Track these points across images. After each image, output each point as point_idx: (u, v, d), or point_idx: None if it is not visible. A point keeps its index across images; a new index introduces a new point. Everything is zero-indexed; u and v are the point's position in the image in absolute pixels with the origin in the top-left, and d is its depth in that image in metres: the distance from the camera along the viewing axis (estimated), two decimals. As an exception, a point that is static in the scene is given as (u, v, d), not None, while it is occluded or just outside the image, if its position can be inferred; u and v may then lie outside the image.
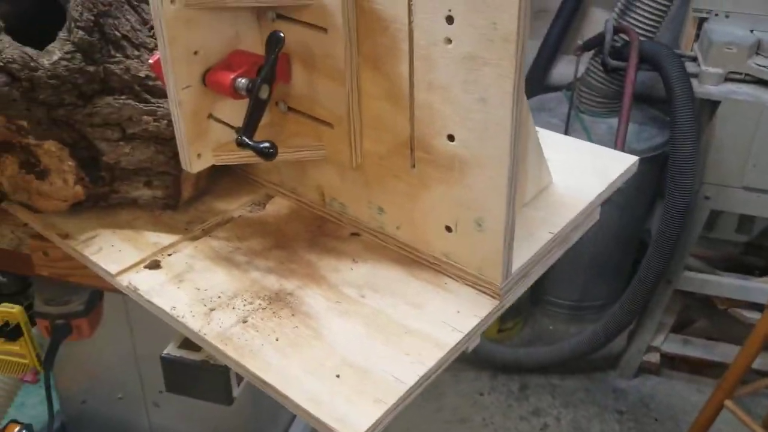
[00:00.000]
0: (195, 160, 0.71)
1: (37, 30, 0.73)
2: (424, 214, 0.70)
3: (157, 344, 0.85)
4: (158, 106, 0.74)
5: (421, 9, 0.59)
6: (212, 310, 0.68)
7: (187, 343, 0.80)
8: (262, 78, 0.65)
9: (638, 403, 2.23)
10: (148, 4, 0.74)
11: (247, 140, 0.65)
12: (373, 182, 0.73)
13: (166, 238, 0.79)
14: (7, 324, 1.57)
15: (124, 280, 0.74)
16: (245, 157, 0.72)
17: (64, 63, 0.72)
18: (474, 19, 0.56)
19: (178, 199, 0.80)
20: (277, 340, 0.64)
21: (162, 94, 0.74)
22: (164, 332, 0.77)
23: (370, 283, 0.72)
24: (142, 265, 0.75)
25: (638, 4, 1.95)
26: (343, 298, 0.70)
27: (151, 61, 0.70)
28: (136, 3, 0.75)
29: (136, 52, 0.75)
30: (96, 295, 1.16)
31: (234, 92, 0.67)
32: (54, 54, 0.72)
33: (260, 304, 0.69)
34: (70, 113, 0.74)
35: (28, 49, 0.71)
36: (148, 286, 0.72)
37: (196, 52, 0.67)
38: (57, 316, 1.16)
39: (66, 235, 0.80)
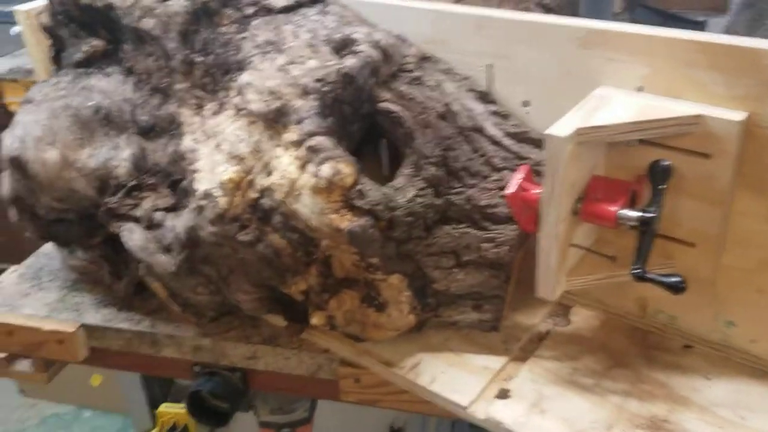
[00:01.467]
0: (559, 288, 0.71)
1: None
2: (797, 330, 0.69)
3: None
4: (498, 233, 0.74)
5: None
6: (601, 444, 0.67)
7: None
8: (656, 210, 0.64)
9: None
10: (481, 133, 0.75)
11: (650, 275, 0.64)
12: (726, 296, 0.73)
13: (492, 361, 0.78)
14: (174, 426, 1.55)
15: (479, 412, 0.72)
16: (596, 280, 0.72)
17: (419, 200, 0.72)
18: None
19: (501, 321, 0.79)
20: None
21: (501, 220, 0.74)
22: None
23: (740, 402, 0.70)
24: (491, 395, 0.74)
25: None
26: (723, 421, 0.68)
27: (506, 192, 0.70)
28: (467, 133, 0.75)
29: (473, 181, 0.74)
30: (316, 400, 1.15)
31: (617, 224, 0.66)
32: (408, 191, 0.71)
33: (646, 435, 0.67)
34: (414, 246, 0.73)
35: (386, 189, 0.71)
36: (511, 418, 0.71)
37: (572, 185, 0.67)
38: (283, 424, 1.14)
39: (388, 362, 0.79)
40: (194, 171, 0.75)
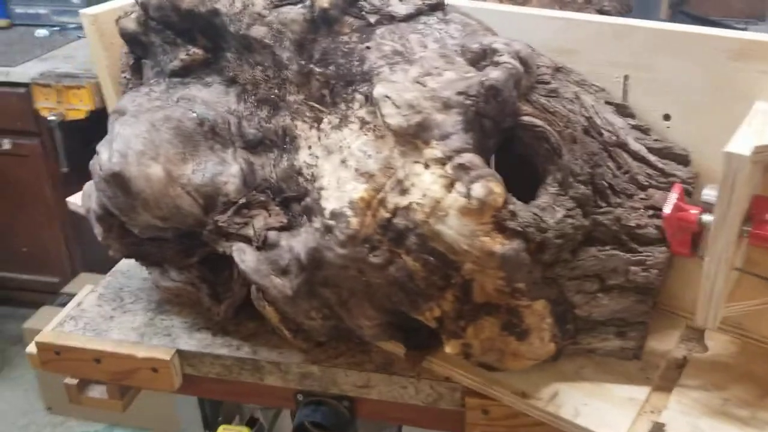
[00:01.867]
0: (720, 316, 0.66)
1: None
2: None
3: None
4: (647, 255, 0.69)
5: None
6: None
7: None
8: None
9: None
10: (624, 148, 0.70)
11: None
12: None
13: (634, 391, 0.73)
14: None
15: (633, 449, 0.67)
16: (756, 305, 0.67)
17: (569, 221, 0.66)
18: None
19: (643, 349, 0.74)
20: None
21: (650, 242, 0.69)
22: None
23: None
24: (644, 429, 0.69)
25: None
26: None
27: (665, 212, 0.65)
28: (610, 149, 0.70)
29: (618, 200, 0.69)
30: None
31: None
32: (557, 212, 0.66)
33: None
34: (560, 270, 0.68)
35: (533, 209, 0.66)
36: (671, 455, 0.66)
37: (744, 206, 0.62)
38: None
39: (523, 393, 0.74)
40: (320, 188, 0.70)
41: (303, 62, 0.74)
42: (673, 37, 0.70)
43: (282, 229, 0.75)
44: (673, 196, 0.66)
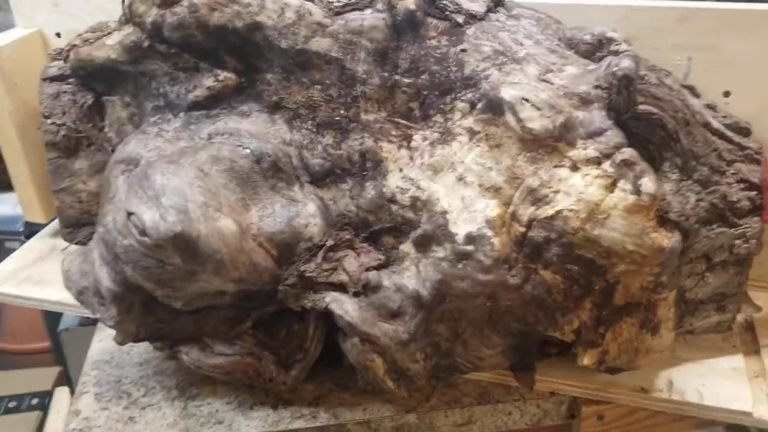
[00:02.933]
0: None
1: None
2: None
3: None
4: (746, 228, 0.71)
5: None
6: None
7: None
8: None
9: None
10: (708, 128, 0.72)
11: None
12: None
13: (732, 362, 0.76)
14: None
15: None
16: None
17: (702, 204, 0.67)
18: None
19: (735, 320, 0.77)
20: None
21: (745, 214, 0.72)
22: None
23: None
24: (764, 395, 0.71)
25: None
26: None
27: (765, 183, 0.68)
28: (700, 129, 0.71)
29: (717, 178, 0.71)
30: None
31: None
32: (690, 197, 0.66)
33: None
34: (683, 256, 0.68)
35: (671, 197, 0.65)
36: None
37: None
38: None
39: (642, 389, 0.72)
40: (443, 212, 0.62)
41: (386, 74, 0.65)
42: (740, 15, 0.73)
43: (379, 267, 0.66)
44: (765, 167, 0.69)
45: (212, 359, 0.70)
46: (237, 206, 0.63)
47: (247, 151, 0.65)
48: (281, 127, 0.67)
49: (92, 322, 0.91)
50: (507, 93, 0.61)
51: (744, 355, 0.76)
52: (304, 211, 0.65)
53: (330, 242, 0.65)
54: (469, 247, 0.61)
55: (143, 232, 0.61)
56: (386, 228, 0.66)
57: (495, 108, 0.62)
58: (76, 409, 0.73)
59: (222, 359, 0.70)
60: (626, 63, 0.62)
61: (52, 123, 0.83)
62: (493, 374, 0.75)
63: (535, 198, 0.62)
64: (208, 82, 0.67)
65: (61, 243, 0.87)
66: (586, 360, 0.68)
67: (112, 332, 0.69)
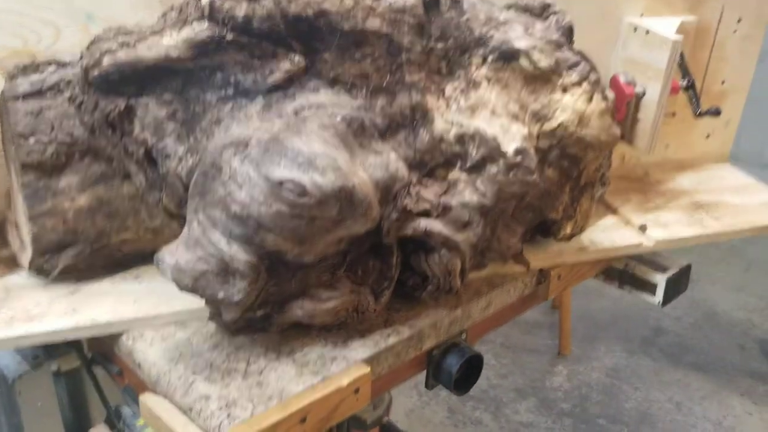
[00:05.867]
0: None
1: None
2: None
3: None
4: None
5: None
6: None
7: None
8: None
9: None
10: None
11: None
12: None
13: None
14: None
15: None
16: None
17: (608, 109, 0.99)
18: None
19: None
20: None
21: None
22: None
23: None
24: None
25: None
26: None
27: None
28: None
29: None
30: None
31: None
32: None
33: None
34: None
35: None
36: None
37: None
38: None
39: (580, 248, 1.04)
40: (493, 137, 0.83)
41: (424, 42, 0.83)
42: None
43: (444, 193, 0.84)
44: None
45: (325, 304, 0.80)
46: (353, 161, 0.75)
47: (339, 118, 0.77)
48: (345, 97, 0.80)
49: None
50: (521, 43, 0.84)
51: (612, 214, 1.13)
52: (390, 159, 0.80)
53: (414, 179, 0.81)
54: (518, 158, 0.83)
55: (303, 194, 0.70)
56: (440, 163, 0.84)
57: (508, 57, 0.85)
58: (204, 394, 0.75)
59: (333, 302, 0.80)
60: (568, 18, 0.91)
61: (36, 142, 0.80)
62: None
63: (538, 118, 0.87)
64: (285, 65, 0.76)
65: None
66: (568, 229, 0.96)
67: (159, 335, 0.75)
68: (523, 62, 0.85)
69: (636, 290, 1.15)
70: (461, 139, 0.84)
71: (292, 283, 0.78)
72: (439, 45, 0.84)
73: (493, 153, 0.83)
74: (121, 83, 0.77)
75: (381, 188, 0.78)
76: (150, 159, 0.81)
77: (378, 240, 0.81)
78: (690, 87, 1.11)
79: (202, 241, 0.73)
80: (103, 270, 0.94)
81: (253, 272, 0.72)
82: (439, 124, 0.84)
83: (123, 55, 0.74)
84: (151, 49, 0.74)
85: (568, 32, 0.91)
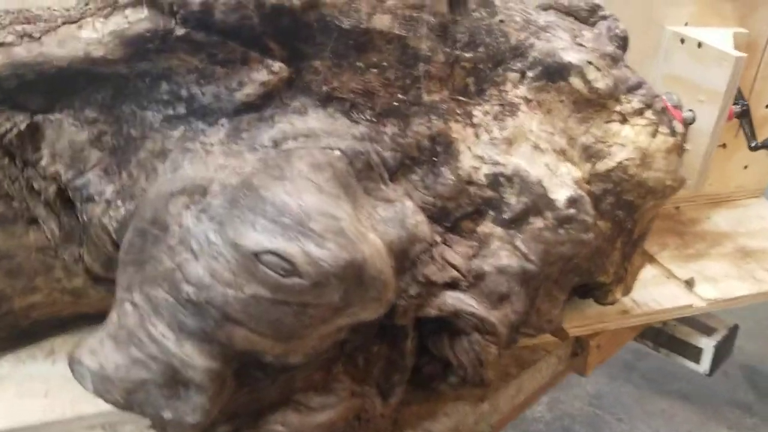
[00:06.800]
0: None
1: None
2: None
3: None
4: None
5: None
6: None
7: None
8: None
9: None
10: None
11: None
12: None
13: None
14: None
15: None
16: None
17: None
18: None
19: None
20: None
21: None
22: None
23: None
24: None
25: None
26: None
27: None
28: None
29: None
30: None
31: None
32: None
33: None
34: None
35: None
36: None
37: None
38: None
39: (623, 311, 0.83)
40: (538, 181, 0.62)
41: (448, 49, 0.61)
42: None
43: (474, 256, 0.63)
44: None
45: (316, 416, 0.57)
46: (359, 217, 0.53)
47: (338, 153, 0.54)
48: (343, 121, 0.58)
49: None
50: (572, 57, 0.63)
51: (649, 263, 0.93)
52: (406, 210, 0.57)
53: (437, 239, 0.59)
54: (572, 211, 0.62)
55: (291, 272, 0.47)
56: (468, 213, 0.62)
57: (554, 73, 0.64)
58: None
59: (327, 412, 0.57)
60: (622, 25, 0.70)
61: None
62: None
63: (589, 155, 0.66)
64: (260, 75, 0.53)
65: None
66: (618, 294, 0.75)
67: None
68: (575, 81, 0.64)
69: (675, 354, 0.95)
70: (495, 181, 0.62)
71: (271, 389, 0.55)
72: (467, 54, 0.62)
73: (539, 202, 0.62)
74: (22, 92, 0.53)
75: (396, 253, 0.55)
76: (64, 200, 0.57)
77: (389, 321, 0.58)
78: (745, 113, 0.92)
79: (138, 335, 0.49)
80: (4, 343, 0.69)
81: (214, 383, 0.49)
82: (467, 161, 0.62)
83: (23, 52, 0.50)
84: (64, 45, 0.50)
85: (623, 44, 0.70)
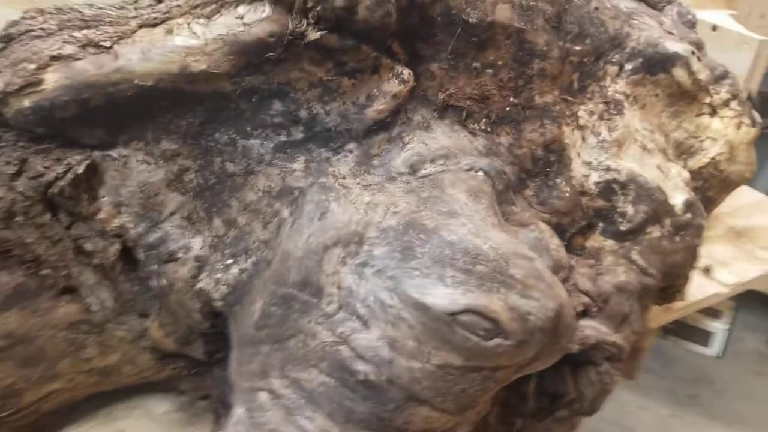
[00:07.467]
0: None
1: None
2: None
3: None
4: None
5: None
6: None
7: None
8: None
9: None
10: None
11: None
12: None
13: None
14: None
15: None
16: None
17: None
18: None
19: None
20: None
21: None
22: None
23: None
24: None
25: None
26: None
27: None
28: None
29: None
30: None
31: None
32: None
33: None
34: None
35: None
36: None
37: None
38: None
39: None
40: (657, 187, 0.56)
41: (561, 42, 0.53)
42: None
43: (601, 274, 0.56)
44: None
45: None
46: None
47: (481, 174, 0.45)
48: (463, 134, 0.48)
49: None
50: (677, 47, 0.57)
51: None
52: (544, 233, 0.49)
53: (573, 262, 0.51)
54: (688, 215, 0.57)
55: (495, 331, 0.37)
56: (581, 228, 0.55)
57: (655, 65, 0.58)
58: None
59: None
60: (692, 10, 0.65)
61: None
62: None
63: (681, 151, 0.61)
64: (391, 86, 0.43)
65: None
66: (685, 294, 0.71)
67: None
68: (678, 73, 0.58)
69: (683, 340, 0.94)
70: (607, 188, 0.55)
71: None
72: (576, 47, 0.54)
73: (659, 210, 0.55)
74: (80, 124, 0.38)
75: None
76: (127, 262, 0.44)
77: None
78: (746, 99, 0.91)
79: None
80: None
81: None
82: (577, 169, 0.54)
83: (90, 68, 0.36)
84: (150, 57, 0.37)
85: (695, 26, 0.65)
